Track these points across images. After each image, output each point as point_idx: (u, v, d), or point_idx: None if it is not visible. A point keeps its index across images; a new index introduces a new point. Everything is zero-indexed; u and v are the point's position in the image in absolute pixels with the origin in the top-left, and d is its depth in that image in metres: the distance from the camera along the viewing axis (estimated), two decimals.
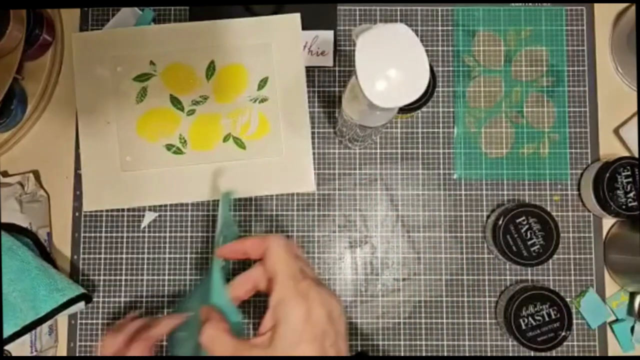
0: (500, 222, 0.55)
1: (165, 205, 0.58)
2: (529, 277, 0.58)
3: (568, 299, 0.57)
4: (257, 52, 0.60)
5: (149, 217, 0.58)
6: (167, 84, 0.60)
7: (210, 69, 0.60)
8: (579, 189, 0.59)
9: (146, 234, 0.58)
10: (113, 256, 0.58)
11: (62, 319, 0.57)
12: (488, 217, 0.58)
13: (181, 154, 0.59)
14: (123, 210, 0.58)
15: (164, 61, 0.60)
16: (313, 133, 0.59)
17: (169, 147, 0.59)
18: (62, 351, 0.57)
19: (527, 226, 0.55)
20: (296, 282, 0.39)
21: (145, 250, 0.58)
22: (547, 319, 0.54)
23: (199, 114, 0.60)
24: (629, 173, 0.54)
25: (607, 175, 0.54)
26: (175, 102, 0.60)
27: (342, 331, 0.40)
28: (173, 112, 0.60)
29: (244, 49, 0.59)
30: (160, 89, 0.60)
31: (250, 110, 0.60)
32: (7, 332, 0.50)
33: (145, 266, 0.58)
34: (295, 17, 0.59)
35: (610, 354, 0.57)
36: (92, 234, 0.58)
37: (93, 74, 0.59)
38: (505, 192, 0.59)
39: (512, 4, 0.61)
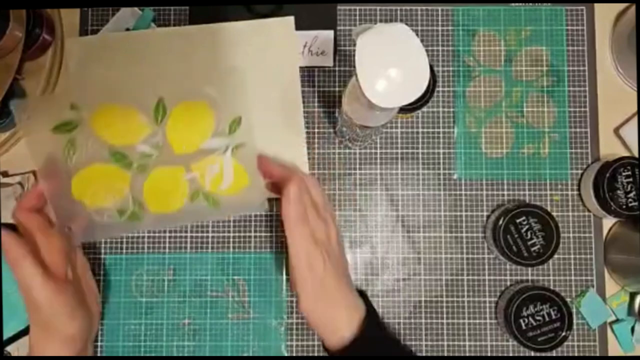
0: (501, 222, 0.55)
1: None
2: (529, 277, 0.58)
3: (568, 299, 0.57)
4: (227, 74, 0.49)
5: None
6: (100, 132, 0.47)
7: (160, 110, 0.48)
8: (579, 189, 0.59)
9: (146, 234, 0.58)
10: (112, 256, 0.58)
11: None
12: (488, 217, 0.58)
13: (138, 220, 0.49)
14: None
15: (90, 102, 0.47)
16: (313, 133, 0.59)
17: (121, 212, 0.48)
18: None
19: (527, 226, 0.55)
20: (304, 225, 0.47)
21: (145, 250, 0.58)
22: (547, 319, 0.54)
23: (154, 169, 0.48)
24: (629, 173, 0.54)
25: (608, 175, 0.54)
26: (118, 156, 0.48)
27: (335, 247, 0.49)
28: (117, 169, 0.48)
29: (241, 54, 0.58)
30: (93, 140, 0.48)
31: (221, 160, 0.49)
32: (10, 332, 0.50)
33: (145, 266, 0.58)
34: (290, 20, 0.58)
35: (610, 354, 0.57)
36: None
37: (89, 78, 0.58)
38: (505, 192, 0.59)
39: (512, 4, 0.61)
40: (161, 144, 0.48)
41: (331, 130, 0.59)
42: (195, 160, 0.49)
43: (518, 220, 0.55)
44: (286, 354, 0.57)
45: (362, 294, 0.50)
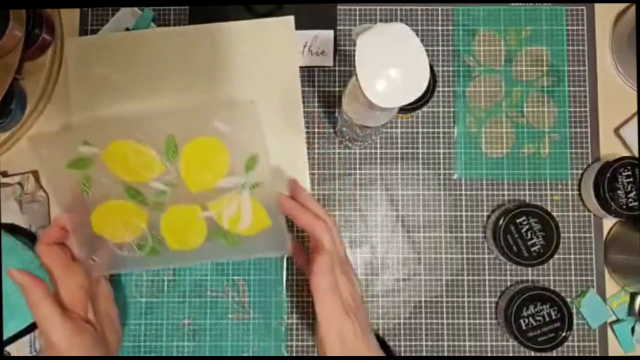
0: (501, 222, 0.55)
1: None
2: (530, 277, 0.58)
3: (568, 299, 0.57)
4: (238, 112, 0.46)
5: None
6: (114, 169, 0.47)
7: (171, 147, 0.46)
8: (579, 189, 0.59)
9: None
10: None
11: None
12: (488, 217, 0.58)
13: (159, 255, 0.48)
14: None
15: (103, 139, 0.46)
16: (313, 133, 0.59)
17: (140, 247, 0.48)
18: None
19: (527, 226, 0.55)
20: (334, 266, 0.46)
21: None
22: (547, 319, 0.54)
23: (170, 207, 0.47)
24: (629, 173, 0.54)
25: (608, 175, 0.54)
26: (133, 193, 0.47)
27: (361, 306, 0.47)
28: (133, 205, 0.47)
29: (241, 54, 0.58)
30: (108, 177, 0.47)
31: (239, 199, 0.47)
32: (10, 332, 0.50)
33: None
34: (289, 20, 0.58)
35: (610, 354, 0.57)
36: None
37: (88, 78, 0.58)
38: (505, 192, 0.59)
39: (513, 4, 0.61)
40: (175, 182, 0.47)
41: (331, 130, 0.59)
42: (211, 198, 0.47)
43: (518, 220, 0.55)
44: (286, 354, 0.56)
45: (382, 343, 0.50)
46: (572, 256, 0.58)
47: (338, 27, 0.60)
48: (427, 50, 0.44)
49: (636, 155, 0.58)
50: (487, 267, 0.58)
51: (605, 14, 0.61)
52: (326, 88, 0.60)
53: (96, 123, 0.49)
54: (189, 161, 0.47)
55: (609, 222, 0.58)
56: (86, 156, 0.47)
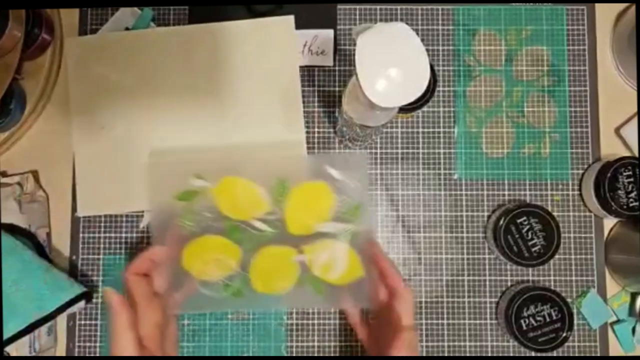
0: (501, 222, 0.55)
1: None
2: (530, 278, 0.58)
3: (569, 300, 0.56)
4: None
5: (148, 217, 0.58)
6: (220, 204, 0.47)
7: (281, 188, 0.47)
8: (580, 189, 0.59)
9: (145, 234, 0.58)
10: (112, 256, 0.58)
11: (61, 319, 0.56)
12: (489, 217, 0.58)
13: (242, 297, 0.47)
14: None
15: (216, 174, 0.46)
16: (313, 133, 0.59)
17: (226, 287, 0.47)
18: (61, 352, 0.56)
19: (528, 226, 0.54)
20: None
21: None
22: (548, 319, 0.53)
23: (265, 247, 0.47)
24: (630, 173, 0.54)
25: (608, 175, 0.54)
26: (233, 230, 0.47)
27: None
28: (230, 243, 0.47)
29: (241, 53, 0.58)
30: (212, 211, 0.47)
31: (336, 246, 0.46)
32: (11, 331, 0.50)
33: None
34: (289, 19, 0.58)
35: (611, 354, 0.57)
36: (91, 234, 0.58)
37: (87, 78, 0.58)
38: (506, 192, 0.59)
39: (513, 4, 0.60)
40: (277, 222, 0.47)
41: (331, 130, 0.59)
42: (309, 242, 0.47)
43: (519, 221, 0.54)
44: (286, 354, 0.56)
45: None
46: (573, 256, 0.58)
47: (338, 27, 0.60)
48: (427, 50, 0.44)
49: (637, 155, 0.58)
50: (487, 267, 0.58)
51: (605, 14, 0.60)
52: (326, 88, 0.60)
53: (210, 157, 0.50)
54: (296, 203, 0.47)
55: (609, 222, 0.58)
56: (196, 189, 0.47)
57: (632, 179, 0.54)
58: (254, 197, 0.47)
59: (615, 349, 0.57)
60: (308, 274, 0.47)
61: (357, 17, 0.60)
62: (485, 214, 0.58)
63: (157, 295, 0.48)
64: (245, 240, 0.48)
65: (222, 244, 0.47)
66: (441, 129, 0.59)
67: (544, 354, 0.56)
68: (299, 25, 0.59)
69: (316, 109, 0.59)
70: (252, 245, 0.48)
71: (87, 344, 0.57)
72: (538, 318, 0.53)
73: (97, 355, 0.56)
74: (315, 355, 0.56)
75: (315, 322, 0.57)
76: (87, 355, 0.57)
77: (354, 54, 0.39)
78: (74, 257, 0.58)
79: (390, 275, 0.48)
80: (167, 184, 0.48)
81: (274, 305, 0.50)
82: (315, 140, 0.59)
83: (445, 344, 0.57)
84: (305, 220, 0.47)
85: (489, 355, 0.57)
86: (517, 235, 0.54)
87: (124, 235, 0.58)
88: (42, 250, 0.55)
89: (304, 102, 0.58)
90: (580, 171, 0.59)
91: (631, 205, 0.54)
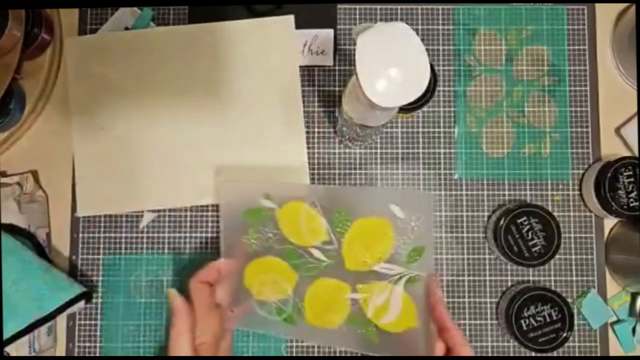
0: (502, 222, 0.54)
1: None
2: (530, 278, 0.58)
3: (569, 300, 0.56)
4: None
5: (148, 217, 0.58)
6: (283, 226, 0.47)
7: (342, 219, 0.46)
8: (580, 189, 0.58)
9: (145, 234, 0.58)
10: (112, 257, 0.58)
11: (61, 319, 0.56)
12: (489, 217, 0.58)
13: (294, 324, 0.46)
14: None
15: (282, 197, 0.47)
16: (313, 133, 0.59)
17: (279, 312, 0.47)
18: (61, 352, 0.56)
19: (528, 226, 0.54)
20: None
21: (144, 251, 0.58)
22: (548, 319, 0.53)
23: (320, 278, 0.47)
24: (630, 173, 0.54)
25: (609, 175, 0.54)
26: (292, 254, 0.47)
27: None
28: (287, 267, 0.47)
29: (241, 53, 0.58)
30: (275, 233, 0.47)
31: (391, 289, 0.45)
32: (10, 332, 0.50)
33: (144, 267, 0.57)
34: (289, 19, 0.58)
35: (611, 354, 0.57)
36: (91, 235, 0.58)
37: (87, 78, 0.58)
38: (506, 192, 0.58)
39: (513, 4, 0.60)
40: (335, 254, 0.47)
41: (331, 130, 0.59)
42: (364, 281, 0.46)
43: (519, 221, 0.54)
44: (286, 354, 0.56)
45: None
46: (573, 256, 0.58)
47: (338, 27, 0.60)
48: (427, 50, 0.44)
49: (637, 155, 0.58)
50: (487, 267, 0.58)
51: (606, 14, 0.60)
52: (326, 88, 0.60)
53: (280, 180, 0.51)
54: (355, 237, 0.47)
55: (610, 222, 0.58)
56: (264, 208, 0.48)
57: (632, 179, 0.54)
58: (314, 224, 0.47)
59: (615, 349, 0.57)
60: (360, 315, 0.46)
61: (357, 17, 0.60)
62: (486, 214, 0.58)
63: (217, 307, 0.48)
64: (302, 267, 0.48)
65: (280, 267, 0.48)
66: (441, 129, 0.59)
67: (544, 354, 0.55)
68: (299, 25, 0.58)
69: (316, 109, 0.59)
70: (308, 273, 0.48)
71: (87, 344, 0.57)
72: (538, 318, 0.53)
73: (97, 355, 0.56)
74: (315, 355, 0.56)
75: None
76: (87, 355, 0.56)
77: (354, 54, 0.39)
78: (73, 257, 0.58)
79: (450, 330, 0.44)
80: (238, 200, 0.49)
81: (324, 341, 0.49)
82: (315, 140, 0.59)
83: None
84: (362, 256, 0.46)
85: (489, 355, 0.57)
86: (517, 235, 0.54)
87: (124, 235, 0.58)
88: (42, 250, 0.55)
89: (304, 102, 0.58)
90: (581, 171, 0.59)
91: (631, 205, 0.54)
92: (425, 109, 0.59)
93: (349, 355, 0.56)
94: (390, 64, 0.39)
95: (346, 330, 0.46)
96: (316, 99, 0.59)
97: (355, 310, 0.46)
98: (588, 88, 0.60)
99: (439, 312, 0.45)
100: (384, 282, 0.46)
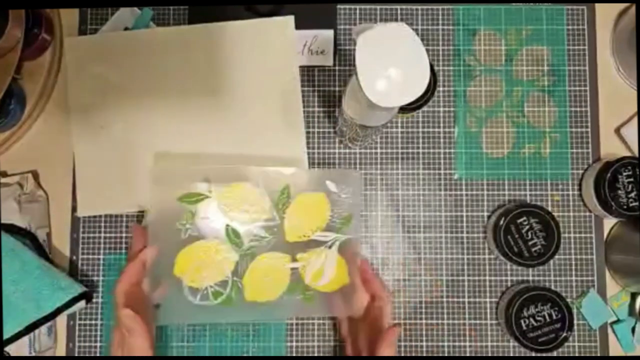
0: (501, 222, 0.54)
1: None
2: (530, 278, 0.58)
3: (569, 300, 0.56)
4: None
5: (148, 217, 0.58)
6: (225, 209, 0.48)
7: (284, 196, 0.49)
8: (580, 189, 0.58)
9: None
10: (112, 256, 0.58)
11: (61, 319, 0.56)
12: (489, 217, 0.58)
13: (231, 305, 0.48)
14: None
15: (223, 179, 0.48)
16: (313, 133, 0.59)
17: (216, 295, 0.48)
18: (61, 352, 0.56)
19: (528, 226, 0.54)
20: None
21: None
22: (548, 319, 0.53)
23: (261, 254, 0.48)
24: (630, 173, 0.54)
25: (609, 175, 0.54)
26: (233, 235, 0.48)
27: None
28: (228, 248, 0.48)
29: (241, 54, 0.58)
30: (214, 215, 0.48)
31: (326, 253, 0.49)
32: (10, 332, 0.50)
33: None
34: (289, 20, 0.58)
35: (611, 354, 0.57)
36: (91, 234, 0.58)
37: (86, 78, 0.58)
38: (506, 192, 0.58)
39: (513, 4, 0.60)
40: (276, 229, 0.49)
41: (331, 130, 0.59)
42: (303, 250, 0.50)
43: (519, 221, 0.54)
44: (286, 354, 0.56)
45: None
46: (573, 256, 0.58)
47: (338, 27, 0.60)
48: (427, 50, 0.44)
49: (637, 155, 0.58)
50: (487, 267, 0.58)
51: (605, 14, 0.60)
52: (326, 88, 0.60)
53: (220, 162, 0.51)
54: (295, 212, 0.50)
55: (609, 222, 0.58)
56: (202, 192, 0.48)
57: (632, 179, 0.54)
58: (257, 203, 0.49)
59: (615, 349, 0.57)
60: (298, 282, 0.50)
61: (357, 17, 0.60)
62: (485, 214, 0.58)
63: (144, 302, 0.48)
64: (244, 245, 0.49)
65: (218, 249, 0.48)
66: (441, 129, 0.59)
67: (544, 354, 0.55)
68: (299, 25, 0.58)
69: (316, 109, 0.59)
70: (249, 251, 0.49)
71: (87, 344, 0.57)
72: (538, 318, 0.53)
73: (97, 355, 0.56)
74: (315, 355, 0.56)
75: (315, 322, 0.56)
76: (87, 355, 0.56)
77: (354, 54, 0.39)
78: (74, 257, 0.58)
79: (371, 281, 0.52)
80: (171, 185, 0.48)
81: (261, 315, 0.51)
82: (315, 140, 0.59)
83: (445, 344, 0.57)
84: (302, 228, 0.50)
85: (489, 355, 0.57)
86: (517, 235, 0.54)
87: (124, 235, 0.58)
88: (42, 250, 0.55)
89: (304, 102, 0.58)
90: (580, 171, 0.59)
91: (631, 205, 0.54)
92: (425, 109, 0.59)
93: (349, 355, 0.56)
94: (390, 64, 0.39)
95: (286, 300, 0.49)
96: (316, 99, 0.60)
97: (294, 279, 0.49)
98: (588, 88, 0.60)
99: (362, 266, 0.52)
100: (320, 248, 0.50)
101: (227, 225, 0.48)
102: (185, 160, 0.56)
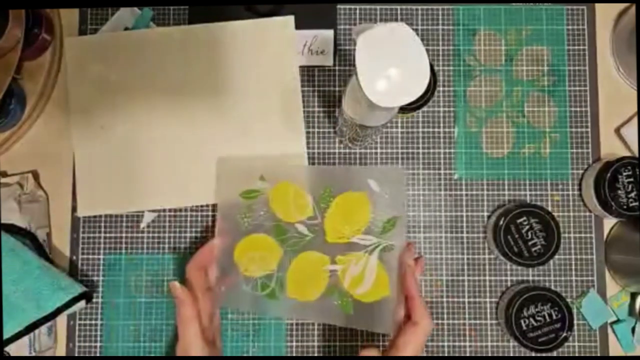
0: (501, 222, 0.54)
1: None
2: (530, 278, 0.58)
3: (569, 300, 0.56)
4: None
5: (148, 217, 0.58)
6: (273, 205, 0.51)
7: (326, 196, 0.50)
8: (580, 189, 0.59)
9: (145, 234, 0.58)
10: (112, 257, 0.58)
11: (61, 319, 0.57)
12: (489, 217, 0.58)
13: (276, 299, 0.50)
14: None
15: (275, 177, 0.51)
16: (313, 133, 0.59)
17: (263, 287, 0.50)
18: (61, 352, 0.56)
19: (528, 226, 0.54)
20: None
21: (145, 251, 0.58)
22: (548, 319, 0.53)
23: (302, 252, 0.50)
24: (630, 173, 0.54)
25: (608, 175, 0.54)
26: (279, 230, 0.50)
27: None
28: (274, 243, 0.51)
29: (241, 54, 0.58)
30: (266, 211, 0.51)
31: (367, 259, 0.49)
32: (10, 332, 0.50)
33: (145, 266, 0.58)
34: (289, 20, 0.58)
35: (611, 354, 0.57)
36: (91, 234, 0.58)
37: (87, 78, 0.58)
38: (506, 192, 0.58)
39: (513, 4, 0.60)
40: (317, 228, 0.51)
41: (331, 130, 0.59)
42: (343, 252, 0.50)
43: (519, 221, 0.54)
44: (286, 354, 0.56)
45: None
46: (573, 256, 0.58)
47: (338, 27, 0.60)
48: (427, 50, 0.44)
49: (637, 155, 0.58)
50: (487, 267, 0.58)
51: (605, 14, 0.60)
52: (326, 88, 0.60)
53: (273, 161, 0.54)
54: (336, 211, 0.51)
55: (609, 222, 0.58)
56: (259, 189, 0.52)
57: (632, 179, 0.54)
58: (301, 201, 0.51)
59: (615, 349, 0.57)
60: (337, 286, 0.50)
61: (357, 17, 0.60)
62: (485, 214, 0.58)
63: (208, 290, 0.51)
64: (287, 242, 0.51)
65: (268, 242, 0.51)
66: (441, 129, 0.59)
67: (544, 354, 0.55)
68: (299, 25, 0.59)
69: (316, 109, 0.59)
70: (292, 248, 0.51)
71: (87, 344, 0.57)
72: (538, 318, 0.53)
73: (97, 355, 0.56)
74: (315, 355, 0.56)
75: (316, 322, 0.57)
76: (87, 355, 0.57)
77: (354, 54, 0.39)
78: (74, 257, 0.58)
79: (414, 299, 0.46)
80: (234, 182, 0.53)
81: (302, 315, 0.52)
82: (315, 140, 0.59)
83: (445, 344, 0.57)
84: (342, 228, 0.51)
85: (489, 355, 0.57)
86: (517, 235, 0.54)
87: (124, 235, 0.58)
88: (42, 250, 0.55)
89: (304, 102, 0.58)
90: (580, 171, 0.59)
91: (631, 205, 0.54)
92: (425, 109, 0.59)
93: (349, 355, 0.56)
94: (390, 64, 0.39)
95: (323, 303, 0.50)
96: (316, 99, 0.60)
97: (332, 281, 0.50)
98: (587, 88, 0.60)
99: (407, 281, 0.48)
100: (360, 252, 0.50)
101: (276, 220, 0.51)
102: (248, 159, 0.58)
